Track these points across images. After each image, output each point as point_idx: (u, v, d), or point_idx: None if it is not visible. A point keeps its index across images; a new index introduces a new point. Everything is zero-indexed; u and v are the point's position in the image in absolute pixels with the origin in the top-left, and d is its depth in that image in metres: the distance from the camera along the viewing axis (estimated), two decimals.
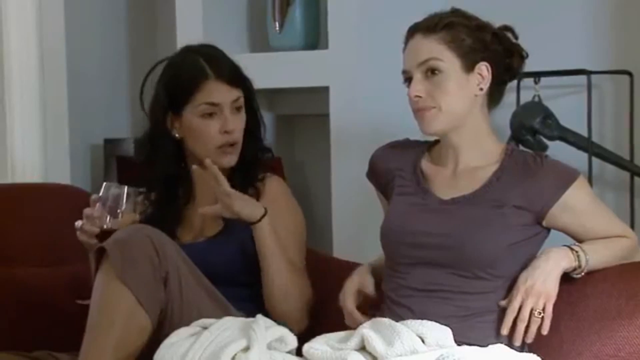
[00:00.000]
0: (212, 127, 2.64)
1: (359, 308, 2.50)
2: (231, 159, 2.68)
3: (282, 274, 2.60)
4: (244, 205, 2.58)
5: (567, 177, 2.38)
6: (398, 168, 2.53)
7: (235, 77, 2.67)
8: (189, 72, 2.66)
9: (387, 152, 2.58)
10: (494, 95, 2.45)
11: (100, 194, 2.54)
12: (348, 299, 2.50)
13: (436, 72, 2.38)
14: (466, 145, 2.44)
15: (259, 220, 2.58)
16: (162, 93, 2.68)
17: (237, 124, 2.66)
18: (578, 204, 2.38)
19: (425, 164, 2.51)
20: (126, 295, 2.35)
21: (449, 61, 2.37)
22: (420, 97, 2.39)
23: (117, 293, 2.36)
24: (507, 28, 2.45)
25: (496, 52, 2.41)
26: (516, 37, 2.46)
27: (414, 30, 2.42)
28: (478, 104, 2.42)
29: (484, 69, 2.40)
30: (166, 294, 2.40)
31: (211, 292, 2.48)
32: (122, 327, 2.34)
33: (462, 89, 2.39)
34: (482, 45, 2.39)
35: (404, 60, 2.43)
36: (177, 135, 2.69)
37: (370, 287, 2.51)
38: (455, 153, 2.45)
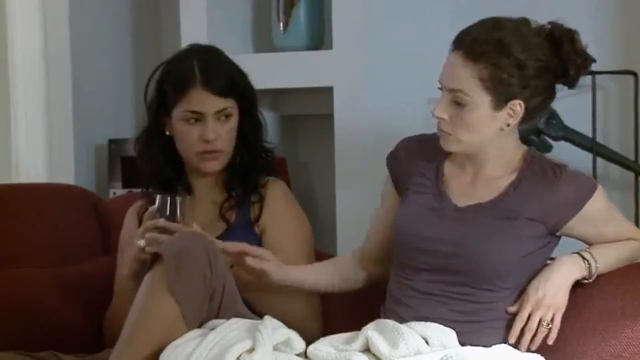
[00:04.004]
0: (193, 133, 2.62)
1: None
2: (213, 165, 2.65)
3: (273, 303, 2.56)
4: None
5: (586, 190, 2.34)
6: (422, 165, 2.46)
7: (227, 87, 2.62)
8: (179, 76, 2.63)
9: (416, 146, 2.50)
10: (528, 118, 2.35)
11: (156, 205, 2.51)
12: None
13: (462, 104, 2.30)
14: (490, 159, 2.38)
15: None
16: (155, 90, 2.68)
17: (221, 132, 2.62)
18: (595, 215, 2.35)
19: (448, 166, 2.45)
20: (172, 308, 2.29)
21: (478, 97, 2.27)
22: (443, 118, 2.33)
23: (163, 303, 2.29)
24: (570, 33, 2.33)
25: (537, 88, 2.29)
26: (578, 43, 2.34)
27: (459, 43, 2.30)
28: (504, 133, 2.34)
29: (517, 106, 2.30)
30: (207, 311, 2.35)
31: (243, 314, 2.42)
32: (159, 341, 2.26)
33: (485, 125, 2.30)
34: (523, 84, 2.27)
35: (442, 70, 2.34)
36: (167, 133, 2.68)
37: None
38: (478, 164, 2.40)
